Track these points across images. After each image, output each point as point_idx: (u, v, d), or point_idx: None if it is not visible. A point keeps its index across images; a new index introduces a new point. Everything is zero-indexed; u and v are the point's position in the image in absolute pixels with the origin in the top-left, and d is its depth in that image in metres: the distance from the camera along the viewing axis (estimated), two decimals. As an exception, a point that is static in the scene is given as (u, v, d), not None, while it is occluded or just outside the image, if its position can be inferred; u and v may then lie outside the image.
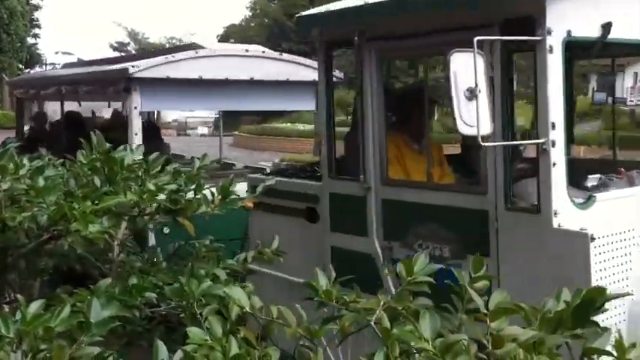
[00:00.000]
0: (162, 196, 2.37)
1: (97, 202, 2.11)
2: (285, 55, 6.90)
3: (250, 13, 58.80)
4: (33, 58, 45.96)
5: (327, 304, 1.82)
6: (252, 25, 55.81)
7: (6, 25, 38.87)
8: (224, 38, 63.30)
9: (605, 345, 1.45)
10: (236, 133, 38.65)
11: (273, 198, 4.17)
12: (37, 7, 44.82)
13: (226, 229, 4.87)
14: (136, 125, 5.93)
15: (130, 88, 5.90)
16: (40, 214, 2.10)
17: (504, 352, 1.37)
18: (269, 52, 6.86)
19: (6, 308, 2.20)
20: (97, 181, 2.28)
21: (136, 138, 5.74)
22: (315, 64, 5.62)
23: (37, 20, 46.62)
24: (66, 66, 10.42)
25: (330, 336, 1.85)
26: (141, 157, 2.54)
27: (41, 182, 2.23)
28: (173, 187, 2.40)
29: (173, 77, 6.09)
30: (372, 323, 1.64)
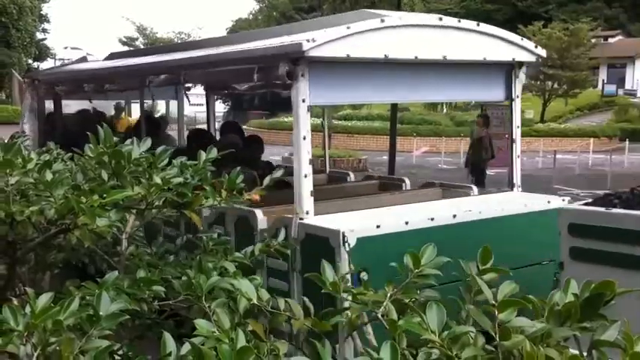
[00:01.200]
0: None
1: (104, 195, 2.11)
2: (483, 26, 4.81)
3: (258, 7, 58.70)
4: (42, 53, 46.14)
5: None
6: (260, 18, 55.77)
7: (15, 21, 39.03)
8: (232, 32, 63.26)
9: (613, 337, 1.45)
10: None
11: (598, 241, 3.39)
12: (44, 1, 44.92)
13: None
14: (304, 127, 4.06)
15: (297, 72, 3.97)
16: (48, 207, 2.11)
17: (512, 344, 1.36)
18: (465, 23, 4.73)
19: (15, 302, 2.21)
20: (105, 175, 2.28)
21: (305, 143, 4.06)
22: (518, 39, 4.86)
23: (46, 15, 46.80)
24: (79, 61, 8.69)
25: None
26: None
27: (49, 176, 2.23)
28: (180, 180, 2.40)
29: (354, 57, 4.11)
30: (380, 315, 1.64)
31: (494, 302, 1.46)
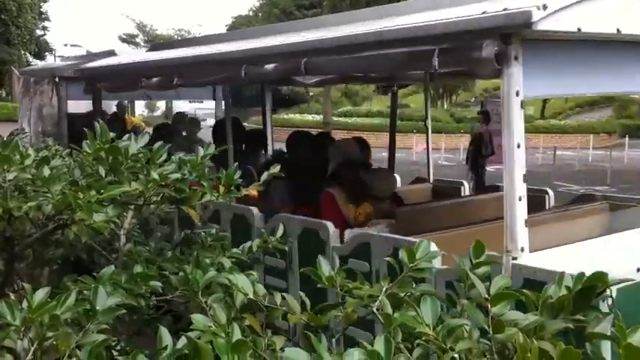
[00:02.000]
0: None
1: (101, 191, 2.12)
2: None
3: (258, 3, 58.68)
4: (41, 51, 46.15)
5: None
6: (260, 14, 55.73)
7: (15, 18, 39.04)
8: (232, 28, 63.28)
9: (606, 330, 1.45)
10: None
11: None
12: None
13: None
14: (518, 131, 3.03)
15: (509, 54, 2.94)
16: (45, 203, 2.12)
17: (505, 337, 1.37)
18: None
19: (13, 297, 2.22)
20: (102, 171, 2.29)
21: (518, 153, 3.01)
22: None
23: (46, 13, 46.81)
24: (106, 55, 7.61)
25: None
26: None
27: (47, 172, 2.24)
28: (177, 175, 2.41)
29: (586, 32, 3.02)
30: (375, 310, 1.65)
31: (486, 296, 1.47)
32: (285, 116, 32.64)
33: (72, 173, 2.40)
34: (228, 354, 1.31)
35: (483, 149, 13.45)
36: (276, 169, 2.68)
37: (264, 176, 2.68)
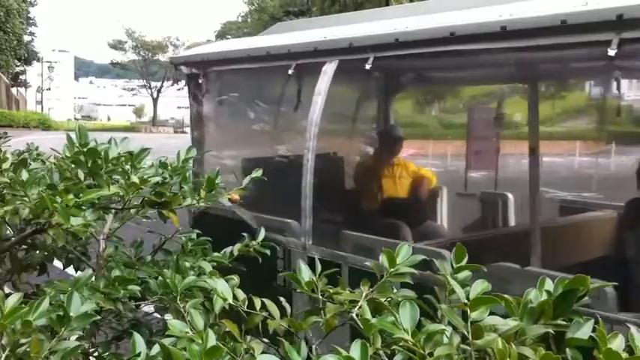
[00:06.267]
0: (146, 189, 2.36)
1: (80, 195, 2.08)
2: None
3: (248, 9, 58.78)
4: (30, 56, 45.94)
5: (311, 297, 1.81)
6: (249, 20, 55.79)
7: (2, 23, 38.83)
8: (221, 34, 63.36)
9: (587, 335, 1.44)
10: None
11: None
12: (32, 4, 44.80)
13: None
14: None
15: None
16: (22, 207, 2.08)
17: (484, 343, 1.35)
18: None
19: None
20: (81, 174, 2.26)
21: None
22: None
23: (34, 18, 46.62)
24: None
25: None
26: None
27: (24, 175, 2.21)
28: (158, 179, 2.38)
29: None
30: (354, 315, 1.62)
31: (466, 301, 1.45)
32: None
33: (50, 177, 2.37)
34: (201, 360, 1.28)
35: None
36: (257, 173, 2.66)
37: (246, 180, 2.66)
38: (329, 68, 4.25)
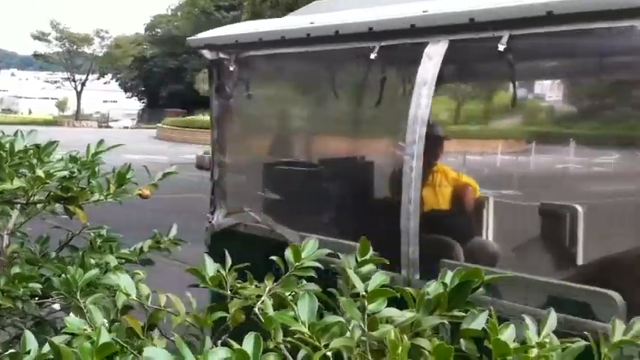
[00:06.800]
0: (53, 183, 2.29)
1: (-22, 189, 2.00)
2: None
3: (177, 3, 57.98)
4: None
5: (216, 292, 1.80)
6: (180, 14, 55.01)
7: None
8: (150, 27, 62.23)
9: (481, 325, 1.48)
10: (159, 125, 38.01)
11: None
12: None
13: None
14: None
15: None
16: None
17: (379, 334, 1.37)
18: None
19: None
20: (-18, 168, 2.17)
21: None
22: None
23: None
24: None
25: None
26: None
27: None
28: (65, 173, 2.31)
29: None
30: (257, 310, 1.62)
31: (364, 293, 1.47)
32: (205, 117, 32.26)
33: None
34: (92, 357, 1.25)
35: None
36: (172, 168, 2.62)
37: (159, 175, 2.61)
38: (434, 51, 3.25)
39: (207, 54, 4.43)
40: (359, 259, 1.73)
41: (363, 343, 1.48)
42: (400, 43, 3.47)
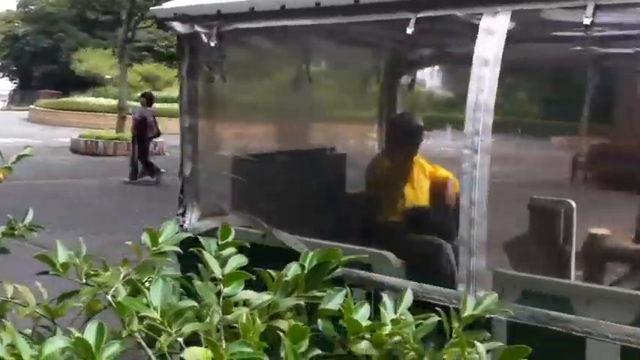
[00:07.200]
0: None
1: None
2: None
3: (53, -21, 55.01)
4: None
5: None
6: (54, -8, 52.23)
7: None
8: (23, 4, 58.76)
9: (337, 305, 1.49)
10: (32, 106, 36.03)
11: None
12: None
13: None
14: None
15: None
16: None
17: (233, 317, 1.35)
18: None
19: None
20: None
21: None
22: None
23: None
24: None
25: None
26: None
27: None
28: None
29: None
30: (109, 297, 1.55)
31: (221, 277, 1.44)
32: (80, 99, 30.85)
33: None
34: None
35: (149, 131, 14.30)
36: (26, 150, 2.47)
37: (13, 158, 2.45)
38: (494, 23, 2.61)
39: (177, 26, 3.65)
40: (220, 243, 1.69)
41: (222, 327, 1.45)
42: (445, 15, 2.81)
